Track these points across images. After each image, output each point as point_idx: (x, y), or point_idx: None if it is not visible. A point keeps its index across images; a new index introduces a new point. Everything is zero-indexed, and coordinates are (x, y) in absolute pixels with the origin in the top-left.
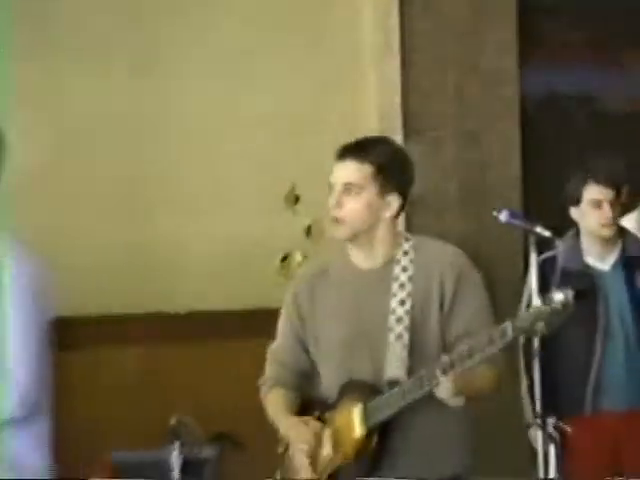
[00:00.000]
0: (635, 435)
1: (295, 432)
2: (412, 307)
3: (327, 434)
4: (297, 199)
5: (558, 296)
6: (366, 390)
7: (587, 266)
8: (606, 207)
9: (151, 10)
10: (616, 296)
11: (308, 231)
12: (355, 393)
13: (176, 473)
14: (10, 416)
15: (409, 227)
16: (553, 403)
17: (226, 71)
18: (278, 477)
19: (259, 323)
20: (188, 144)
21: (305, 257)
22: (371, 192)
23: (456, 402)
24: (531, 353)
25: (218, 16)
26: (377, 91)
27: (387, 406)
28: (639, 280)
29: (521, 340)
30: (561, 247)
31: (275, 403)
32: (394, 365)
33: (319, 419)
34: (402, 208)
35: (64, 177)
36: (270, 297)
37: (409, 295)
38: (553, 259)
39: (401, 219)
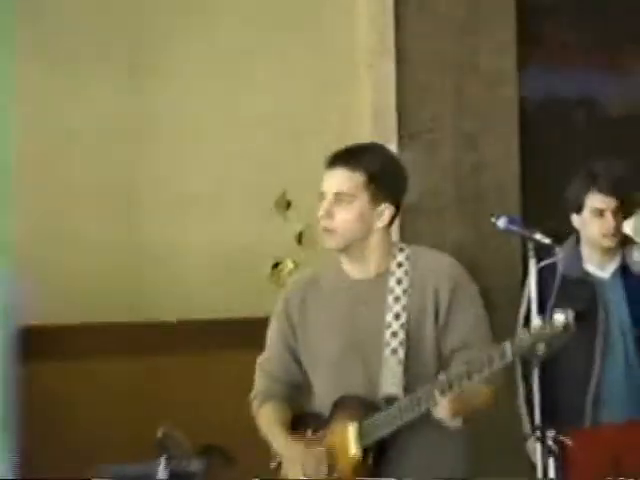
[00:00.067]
0: (635, 447)
1: (290, 452)
2: (407, 321)
3: (321, 452)
4: (288, 205)
5: (559, 317)
6: (361, 406)
7: (587, 274)
8: (609, 216)
9: (151, 10)
10: (616, 305)
11: (300, 238)
12: (350, 409)
13: None
14: None
15: (404, 232)
16: (551, 414)
17: (224, 71)
18: None
19: (248, 332)
20: (185, 145)
21: (297, 265)
22: (363, 201)
23: (454, 423)
24: (529, 363)
25: (215, 16)
26: (372, 91)
27: (383, 425)
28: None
29: None
30: (561, 254)
31: (268, 420)
32: (390, 381)
33: (313, 434)
34: (395, 217)
35: (58, 178)
36: (260, 306)
37: (404, 308)
38: (552, 266)
39: (395, 224)
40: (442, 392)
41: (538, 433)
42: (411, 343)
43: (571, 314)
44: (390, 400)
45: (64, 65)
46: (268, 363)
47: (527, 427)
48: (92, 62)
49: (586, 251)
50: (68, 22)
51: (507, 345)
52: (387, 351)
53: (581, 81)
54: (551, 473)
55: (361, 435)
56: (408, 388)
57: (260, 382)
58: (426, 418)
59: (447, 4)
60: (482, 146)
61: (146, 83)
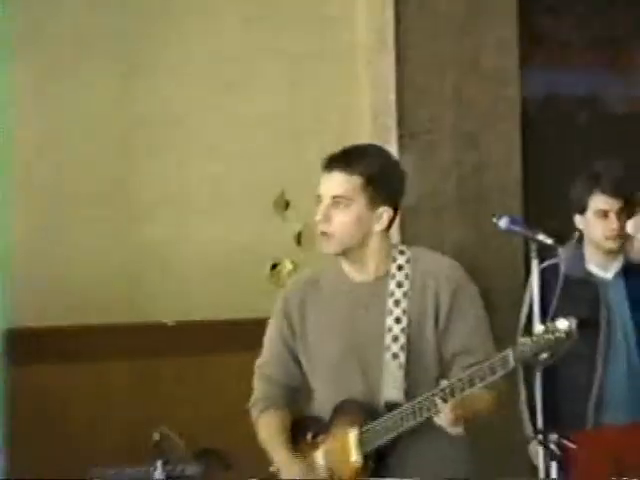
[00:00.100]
0: (637, 448)
1: (289, 471)
2: (408, 325)
3: (321, 458)
4: (287, 205)
5: (562, 325)
6: (362, 412)
7: (590, 274)
8: (612, 218)
9: (150, 10)
10: (618, 305)
11: (298, 238)
12: (350, 415)
13: None
14: None
15: (404, 233)
16: (553, 417)
17: (223, 71)
18: None
19: (247, 334)
20: (185, 145)
21: (295, 265)
22: (360, 205)
23: (456, 431)
24: (531, 367)
25: (215, 16)
26: (371, 88)
27: (384, 431)
28: None
29: None
30: (563, 255)
31: (268, 431)
32: (391, 386)
33: (313, 438)
34: (394, 220)
35: (55, 179)
36: (259, 307)
37: (405, 312)
38: (555, 267)
39: (395, 225)
40: (444, 399)
41: (540, 436)
42: (412, 347)
43: (574, 321)
44: (391, 406)
45: (64, 65)
46: (267, 366)
47: (529, 429)
48: (91, 61)
49: (589, 251)
50: (67, 20)
51: (509, 353)
52: (388, 355)
53: (585, 80)
54: (553, 475)
55: (361, 442)
56: (409, 393)
57: (259, 388)
58: (427, 424)
59: (448, 2)
60: (483, 146)
61: (145, 83)
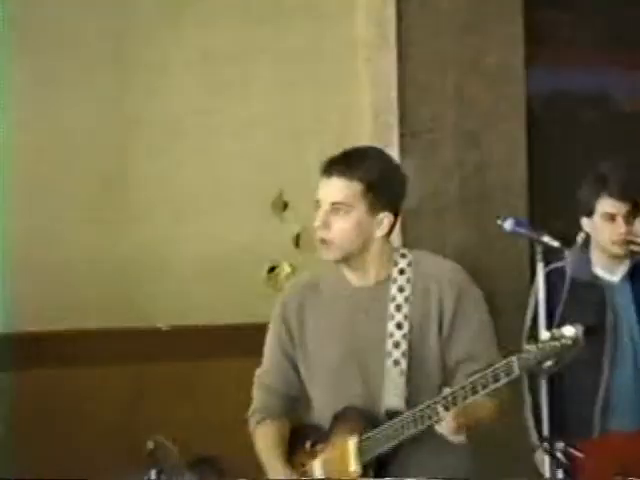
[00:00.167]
0: None
1: None
2: (410, 330)
3: (319, 467)
4: (285, 206)
5: (568, 331)
6: (362, 420)
7: (596, 277)
8: (620, 221)
9: (150, 9)
10: (624, 309)
11: (297, 240)
12: (350, 423)
13: None
14: None
15: (406, 235)
16: (559, 422)
17: (222, 70)
18: None
19: (245, 339)
20: (183, 145)
21: (294, 268)
22: (360, 211)
23: (458, 439)
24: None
25: (213, 13)
26: (370, 86)
27: (384, 440)
28: None
29: None
30: (569, 257)
31: (265, 443)
32: (392, 393)
33: (312, 447)
34: (395, 225)
35: (53, 181)
36: (257, 310)
37: (406, 317)
38: (561, 270)
39: (397, 226)
40: (446, 407)
41: (547, 445)
42: (414, 354)
43: (581, 328)
44: (392, 413)
45: (62, 66)
46: (266, 375)
47: (534, 438)
48: (91, 61)
49: (595, 254)
50: (65, 19)
51: (514, 360)
52: (389, 362)
53: (591, 78)
54: None
55: (361, 450)
56: (410, 400)
57: (258, 397)
58: (428, 432)
59: None
60: (486, 145)
61: (144, 82)
